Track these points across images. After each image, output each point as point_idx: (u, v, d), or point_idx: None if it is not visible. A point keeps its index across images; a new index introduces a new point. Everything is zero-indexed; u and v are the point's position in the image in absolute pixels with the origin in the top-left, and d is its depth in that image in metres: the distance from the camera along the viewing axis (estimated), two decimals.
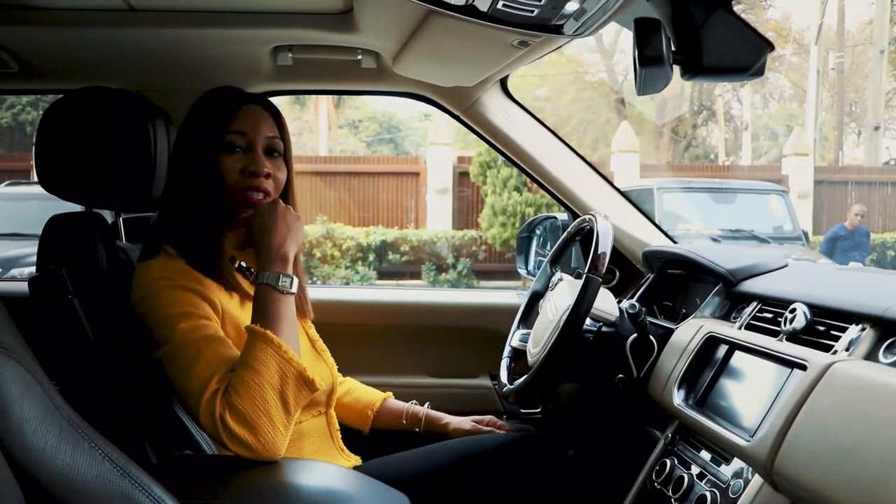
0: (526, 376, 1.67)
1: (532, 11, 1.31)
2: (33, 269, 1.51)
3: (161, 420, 1.46)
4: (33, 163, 1.56)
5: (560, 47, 1.63)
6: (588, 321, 1.64)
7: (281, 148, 1.51)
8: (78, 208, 1.58)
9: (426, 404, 1.85)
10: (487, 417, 1.80)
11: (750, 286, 1.64)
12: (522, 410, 2.33)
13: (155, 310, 1.33)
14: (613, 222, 1.69)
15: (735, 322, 1.58)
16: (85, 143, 1.52)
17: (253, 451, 1.22)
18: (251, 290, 1.42)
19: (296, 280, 1.38)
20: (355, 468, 1.56)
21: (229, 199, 1.45)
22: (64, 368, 1.41)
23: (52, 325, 1.41)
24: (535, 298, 2.00)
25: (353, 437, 1.74)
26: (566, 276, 1.91)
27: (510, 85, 2.20)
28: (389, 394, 1.88)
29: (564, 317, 1.57)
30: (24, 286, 1.46)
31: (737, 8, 1.19)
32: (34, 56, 1.94)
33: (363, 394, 1.85)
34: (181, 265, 1.39)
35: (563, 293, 1.72)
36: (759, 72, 1.21)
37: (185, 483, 1.20)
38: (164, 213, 1.51)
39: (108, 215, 1.63)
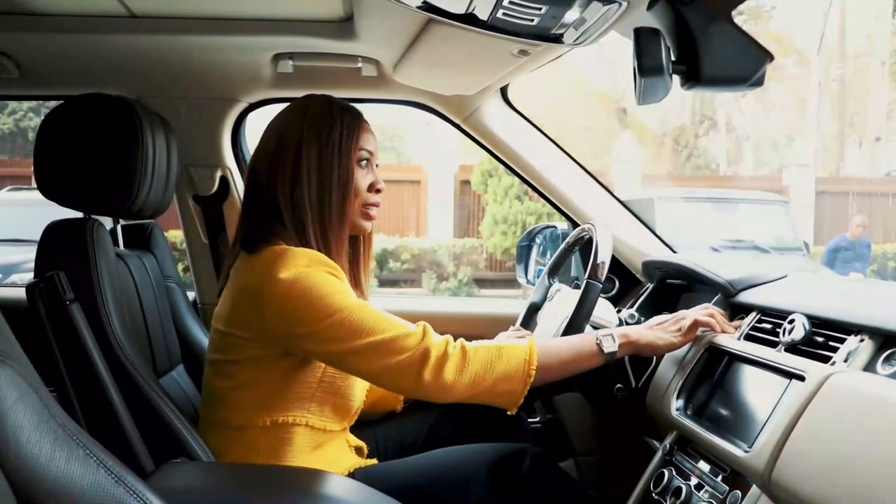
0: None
1: (532, 20, 1.31)
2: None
3: (157, 427, 1.46)
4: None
5: (560, 56, 1.63)
6: (588, 329, 1.63)
7: None
8: (78, 215, 1.58)
9: None
10: None
11: (749, 297, 1.64)
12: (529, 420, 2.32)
13: (310, 290, 1.38)
14: (613, 232, 1.69)
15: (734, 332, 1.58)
16: (83, 150, 1.52)
17: (431, 387, 1.38)
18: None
19: (616, 351, 1.48)
20: (349, 475, 1.55)
21: (354, 210, 1.56)
22: (61, 375, 1.41)
23: (49, 331, 1.41)
24: (533, 310, 2.00)
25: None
26: (564, 287, 1.91)
27: (510, 93, 2.20)
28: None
29: (564, 324, 1.56)
30: (22, 292, 1.46)
31: (739, 18, 1.19)
32: (35, 62, 1.95)
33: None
34: (310, 252, 1.45)
35: (562, 303, 1.72)
36: (759, 82, 1.21)
37: (180, 491, 1.20)
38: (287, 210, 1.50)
39: (107, 222, 1.63)
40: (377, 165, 1.60)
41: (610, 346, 1.48)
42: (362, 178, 1.55)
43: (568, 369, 1.49)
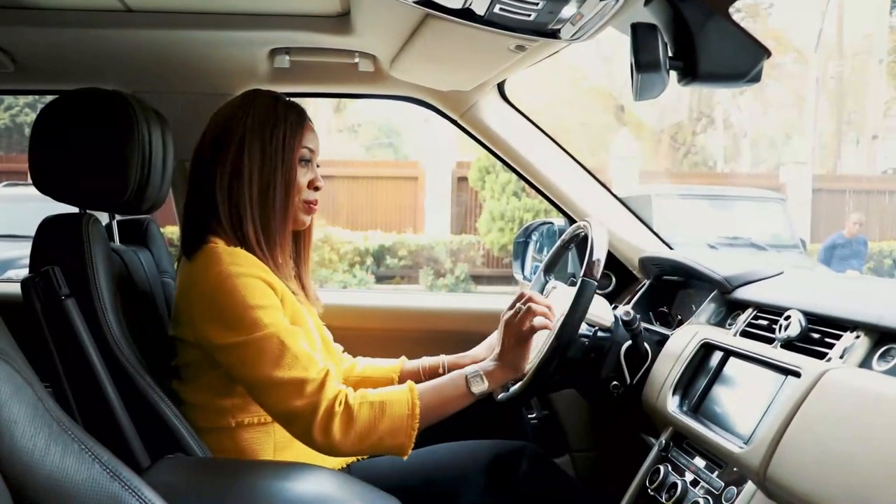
0: (521, 382, 1.67)
1: (529, 15, 1.31)
2: None
3: (153, 423, 1.46)
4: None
5: (558, 52, 1.63)
6: (583, 327, 1.63)
7: None
8: (74, 210, 1.57)
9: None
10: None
11: (745, 293, 1.64)
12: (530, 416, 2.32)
13: (229, 296, 1.38)
14: (610, 228, 1.69)
15: (730, 329, 1.58)
16: (79, 145, 1.52)
17: (319, 443, 1.37)
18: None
19: (484, 388, 1.49)
20: (345, 469, 1.55)
21: (296, 207, 1.55)
22: (56, 370, 1.40)
23: (44, 326, 1.40)
24: None
25: None
26: (560, 284, 1.90)
27: (508, 89, 2.20)
28: (403, 357, 1.89)
29: (559, 322, 1.56)
30: (18, 287, 1.46)
31: (737, 16, 1.18)
32: (30, 56, 1.94)
33: (381, 363, 1.88)
34: (244, 252, 1.44)
35: (558, 300, 1.72)
36: (756, 78, 1.21)
37: (175, 486, 1.19)
38: (218, 207, 1.50)
39: (103, 217, 1.63)
40: (318, 165, 1.61)
41: (480, 389, 1.49)
42: (303, 176, 1.55)
43: (447, 414, 1.51)
